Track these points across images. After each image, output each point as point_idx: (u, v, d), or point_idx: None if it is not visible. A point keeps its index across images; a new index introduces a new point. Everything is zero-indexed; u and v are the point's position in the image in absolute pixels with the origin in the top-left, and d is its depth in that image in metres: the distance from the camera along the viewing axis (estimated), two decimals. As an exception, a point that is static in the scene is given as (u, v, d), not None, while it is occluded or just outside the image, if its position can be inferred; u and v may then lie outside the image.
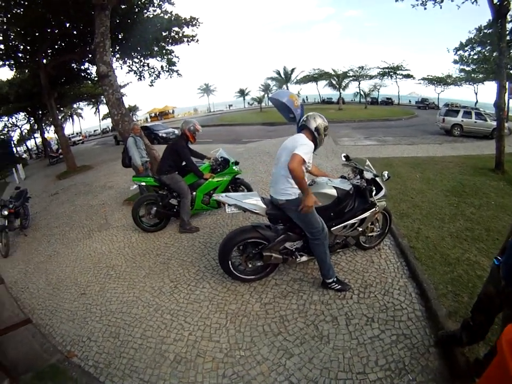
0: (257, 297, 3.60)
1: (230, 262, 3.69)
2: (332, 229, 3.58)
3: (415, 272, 3.66)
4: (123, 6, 12.00)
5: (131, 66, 15.95)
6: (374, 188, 3.74)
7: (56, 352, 3.32)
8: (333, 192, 3.63)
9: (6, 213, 6.45)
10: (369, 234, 4.12)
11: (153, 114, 62.72)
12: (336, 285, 3.50)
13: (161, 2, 12.44)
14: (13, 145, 31.01)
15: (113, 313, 3.74)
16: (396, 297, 3.35)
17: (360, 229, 3.81)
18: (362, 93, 48.84)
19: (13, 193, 7.82)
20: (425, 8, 10.03)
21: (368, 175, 3.91)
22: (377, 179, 3.91)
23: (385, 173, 3.92)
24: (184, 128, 5.45)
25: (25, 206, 7.78)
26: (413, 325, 2.96)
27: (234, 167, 5.87)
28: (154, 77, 16.18)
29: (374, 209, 3.75)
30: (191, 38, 14.67)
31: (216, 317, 3.39)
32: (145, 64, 15.89)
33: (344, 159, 4.23)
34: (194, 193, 5.61)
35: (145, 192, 6.63)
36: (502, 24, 7.83)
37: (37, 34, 12.69)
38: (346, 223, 3.67)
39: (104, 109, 58.02)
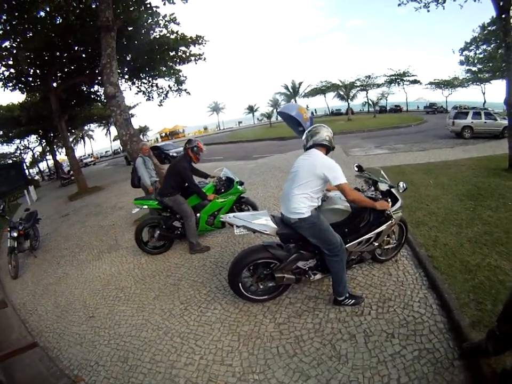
0: (271, 317, 3.45)
1: (240, 284, 3.55)
2: (346, 245, 3.40)
3: (435, 282, 3.51)
4: (130, 28, 12.21)
5: (140, 87, 16.18)
6: (389, 200, 3.58)
7: (63, 376, 3.23)
8: (347, 207, 3.54)
9: (15, 234, 6.43)
10: (385, 247, 3.92)
11: (163, 134, 63.52)
12: (350, 300, 3.38)
13: (167, 23, 12.59)
14: (25, 167, 31.64)
15: (122, 336, 3.63)
16: (416, 310, 3.20)
17: (376, 244, 3.64)
18: (370, 102, 49.01)
19: (23, 215, 7.82)
20: (428, 11, 10.05)
21: (383, 186, 3.76)
22: (393, 190, 3.78)
23: (402, 184, 3.72)
24: (188, 148, 5.27)
25: (35, 227, 7.78)
26: (435, 338, 2.81)
27: (238, 187, 5.73)
28: (163, 97, 16.36)
29: (390, 221, 3.57)
30: (198, 57, 14.82)
31: (228, 340, 3.24)
32: (153, 85, 16.11)
33: (356, 169, 4.12)
34: (198, 214, 5.46)
35: (155, 212, 6.52)
36: (506, 20, 7.81)
37: (46, 58, 12.97)
38: (361, 238, 3.51)
39: (114, 131, 59.08)
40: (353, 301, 3.37)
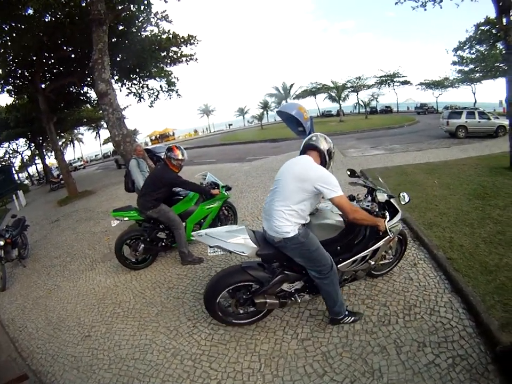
0: (292, 332, 3.16)
1: (218, 309, 3.19)
2: (338, 265, 3.03)
3: (458, 285, 3.37)
4: (120, 28, 11.94)
5: (130, 88, 15.96)
6: (387, 214, 3.13)
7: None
8: (339, 221, 3.08)
9: (1, 243, 6.01)
10: (380, 262, 3.55)
11: (153, 137, 63.07)
12: (349, 318, 3.10)
13: (158, 21, 12.33)
14: (14, 172, 31.06)
15: (124, 360, 3.25)
16: (443, 315, 3.06)
17: (373, 262, 3.27)
18: (361, 103, 49.20)
19: (10, 222, 7.42)
20: (425, 9, 10.42)
21: (381, 196, 3.31)
22: (392, 201, 3.37)
23: (405, 195, 3.37)
24: (168, 158, 4.79)
25: (23, 234, 7.37)
26: (467, 344, 2.71)
27: (224, 192, 5.44)
28: (154, 98, 16.19)
29: (389, 236, 3.12)
30: (189, 57, 14.69)
31: (247, 361, 2.92)
32: (144, 86, 15.90)
33: (349, 173, 3.75)
34: (183, 223, 5.08)
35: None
36: (508, 19, 7.96)
37: (34, 58, 12.60)
38: (356, 257, 3.12)
39: (104, 134, 58.66)
40: (352, 318, 3.11)
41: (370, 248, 3.15)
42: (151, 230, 5.06)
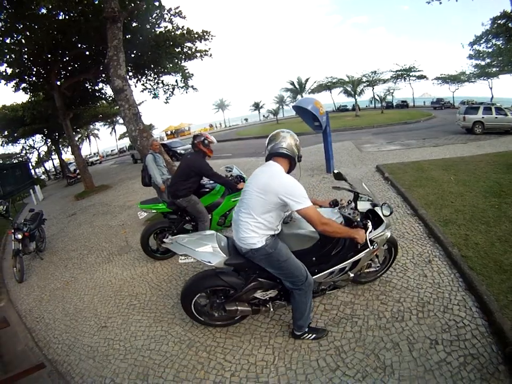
0: (306, 326, 3.16)
1: (194, 308, 3.17)
2: (314, 276, 2.90)
3: (472, 284, 3.33)
4: (134, 24, 11.97)
5: (145, 84, 16.02)
6: (370, 224, 2.87)
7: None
8: (313, 232, 2.86)
9: (20, 236, 6.15)
10: (366, 270, 3.41)
11: (169, 132, 63.39)
12: (310, 335, 2.98)
13: (172, 17, 12.32)
14: (30, 167, 31.64)
15: (140, 350, 3.31)
16: (457, 313, 3.05)
17: (352, 275, 3.11)
18: (377, 97, 48.55)
19: (28, 216, 7.54)
20: (440, 3, 10.03)
21: (363, 205, 3.14)
22: (377, 209, 3.14)
23: (387, 206, 3.09)
24: (198, 143, 4.81)
25: (41, 228, 7.53)
26: (479, 343, 2.69)
27: None
28: (170, 94, 16.17)
29: (371, 247, 2.87)
30: (204, 53, 14.60)
31: (261, 353, 2.95)
32: (159, 82, 15.89)
33: (334, 176, 3.34)
34: (209, 216, 5.15)
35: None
36: None
37: (48, 56, 12.75)
38: (333, 268, 2.97)
39: (120, 129, 59.17)
40: (314, 335, 2.98)
41: (350, 260, 3.01)
42: (178, 221, 5.18)
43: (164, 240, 3.23)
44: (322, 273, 2.96)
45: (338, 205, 3.28)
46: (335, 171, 3.33)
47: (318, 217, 2.46)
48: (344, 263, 3.00)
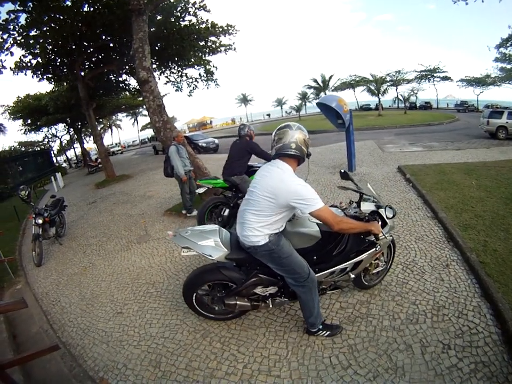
0: (321, 323, 3.17)
1: (195, 302, 3.21)
2: (316, 275, 2.89)
3: (488, 291, 3.28)
4: (158, 17, 12.04)
5: (169, 77, 16.11)
6: (378, 220, 2.95)
7: (87, 379, 2.97)
8: (315, 231, 2.88)
9: (40, 221, 6.31)
10: (374, 271, 3.40)
11: (191, 125, 63.89)
12: (324, 332, 2.97)
13: (196, 10, 12.32)
14: (52, 155, 32.30)
15: (154, 338, 3.36)
16: (471, 319, 3.02)
17: (353, 276, 3.11)
18: (401, 97, 47.73)
19: (49, 201, 7.72)
20: (466, 3, 9.64)
21: (366, 206, 3.10)
22: (381, 211, 3.09)
23: (390, 208, 3.00)
24: (249, 130, 5.76)
25: (61, 214, 7.69)
26: (491, 351, 2.65)
27: None
28: (193, 87, 16.21)
29: (374, 249, 2.97)
30: (228, 47, 14.58)
31: (275, 347, 2.97)
32: (183, 75, 15.96)
33: (340, 176, 3.34)
34: None
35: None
36: None
37: (73, 47, 12.94)
38: (334, 268, 2.96)
39: (142, 121, 59.83)
40: (328, 332, 2.97)
41: (351, 261, 3.00)
42: (234, 196, 5.63)
43: (168, 232, 3.27)
44: (323, 273, 2.97)
45: (337, 207, 3.23)
46: (342, 170, 3.33)
47: (332, 217, 2.43)
48: (346, 263, 3.00)
